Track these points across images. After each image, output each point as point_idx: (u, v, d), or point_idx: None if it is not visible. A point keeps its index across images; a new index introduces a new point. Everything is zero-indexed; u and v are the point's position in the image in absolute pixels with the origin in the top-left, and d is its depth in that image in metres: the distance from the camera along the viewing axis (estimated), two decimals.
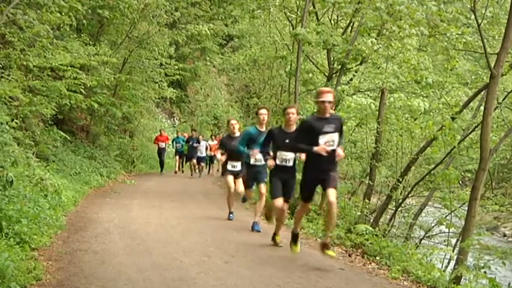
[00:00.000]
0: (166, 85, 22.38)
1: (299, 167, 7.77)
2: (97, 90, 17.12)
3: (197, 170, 21.94)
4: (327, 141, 6.54)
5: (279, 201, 7.65)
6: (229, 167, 10.19)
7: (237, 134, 10.02)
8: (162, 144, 21.84)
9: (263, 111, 9.04)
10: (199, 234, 8.74)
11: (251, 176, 9.35)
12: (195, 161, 21.71)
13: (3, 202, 7.17)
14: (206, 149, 22.13)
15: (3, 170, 7.32)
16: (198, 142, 21.61)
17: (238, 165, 10.06)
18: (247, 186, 9.90)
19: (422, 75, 12.18)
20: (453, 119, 10.19)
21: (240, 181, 10.17)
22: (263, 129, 8.77)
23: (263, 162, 8.53)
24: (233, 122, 10.27)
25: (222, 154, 10.25)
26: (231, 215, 10.51)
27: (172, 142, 23.01)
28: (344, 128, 7.03)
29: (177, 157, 22.68)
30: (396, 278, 6.71)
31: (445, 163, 11.70)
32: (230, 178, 10.14)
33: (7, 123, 9.13)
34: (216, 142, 23.22)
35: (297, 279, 6.21)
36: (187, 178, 20.96)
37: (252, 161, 9.09)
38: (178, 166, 22.98)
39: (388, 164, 14.88)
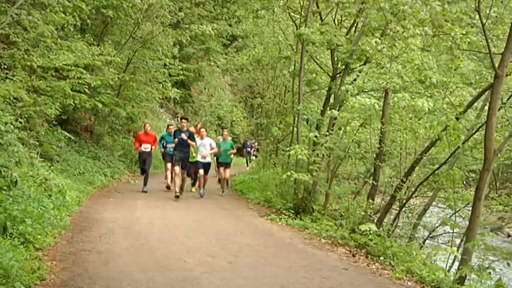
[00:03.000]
0: (170, 85, 22.40)
1: None
2: (101, 91, 17.15)
3: (197, 184, 15.12)
4: None
5: None
6: None
7: None
8: (147, 147, 14.78)
9: None
10: (203, 235, 8.75)
11: None
12: (184, 171, 14.05)
13: (8, 202, 7.19)
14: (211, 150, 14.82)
15: (8, 170, 7.32)
16: (193, 138, 13.85)
17: None
18: None
19: (427, 75, 12.15)
20: (457, 119, 10.16)
21: None
22: None
23: None
24: None
25: None
26: None
27: (160, 141, 15.34)
28: None
29: (168, 164, 14.96)
30: (400, 278, 6.71)
31: (449, 163, 11.68)
32: None
33: (11, 123, 9.17)
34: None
35: (300, 279, 6.21)
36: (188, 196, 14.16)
37: None
38: (172, 177, 14.99)
39: (392, 164, 14.85)
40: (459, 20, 9.47)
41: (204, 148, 14.68)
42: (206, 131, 15.61)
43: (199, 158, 14.57)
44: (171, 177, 14.94)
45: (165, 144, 15.24)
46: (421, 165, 12.59)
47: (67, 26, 12.95)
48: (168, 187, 14.92)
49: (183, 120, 14.49)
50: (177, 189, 13.53)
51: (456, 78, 13.39)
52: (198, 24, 23.44)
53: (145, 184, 14.87)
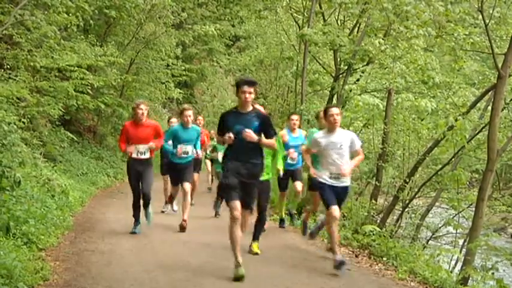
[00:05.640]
0: (173, 86, 22.39)
1: None
2: (104, 91, 17.18)
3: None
4: None
5: None
6: None
7: None
8: (142, 150, 8.25)
9: None
10: (206, 235, 8.72)
11: None
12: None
13: (11, 202, 7.20)
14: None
15: (11, 170, 7.35)
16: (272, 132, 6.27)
17: None
18: None
19: (430, 76, 12.15)
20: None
21: None
22: None
23: None
24: None
25: None
26: None
27: (168, 139, 9.08)
28: None
29: (168, 181, 10.24)
30: (403, 279, 6.69)
31: (452, 164, 11.67)
32: None
33: (15, 123, 9.18)
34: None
35: (304, 279, 6.20)
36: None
37: None
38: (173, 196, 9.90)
39: (395, 164, 14.84)
40: (462, 21, 9.46)
41: (341, 157, 6.83)
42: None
43: (326, 178, 6.84)
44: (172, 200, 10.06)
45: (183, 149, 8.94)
46: (424, 166, 12.58)
47: (70, 26, 12.98)
48: (183, 227, 8.79)
49: (246, 88, 6.00)
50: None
51: (459, 79, 13.39)
52: (200, 24, 23.47)
53: (136, 219, 8.51)
